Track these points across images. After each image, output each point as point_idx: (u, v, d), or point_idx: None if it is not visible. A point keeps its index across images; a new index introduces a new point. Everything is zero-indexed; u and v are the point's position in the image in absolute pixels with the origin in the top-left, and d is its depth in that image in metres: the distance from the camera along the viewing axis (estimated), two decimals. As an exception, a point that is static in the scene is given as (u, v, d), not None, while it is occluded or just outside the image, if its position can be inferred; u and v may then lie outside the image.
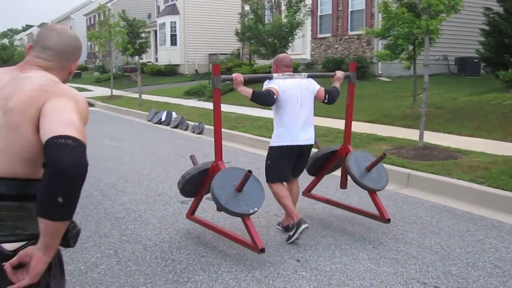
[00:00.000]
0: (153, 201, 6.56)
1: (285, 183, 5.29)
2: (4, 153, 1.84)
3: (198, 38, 35.26)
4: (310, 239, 5.10)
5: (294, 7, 17.77)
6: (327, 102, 5.44)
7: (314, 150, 5.71)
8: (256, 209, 4.65)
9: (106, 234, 5.30)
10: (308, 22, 22.15)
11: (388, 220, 5.27)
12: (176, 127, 14.27)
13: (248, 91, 4.92)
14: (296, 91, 5.13)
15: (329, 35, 23.14)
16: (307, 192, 6.35)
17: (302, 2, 18.21)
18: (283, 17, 18.02)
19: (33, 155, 1.86)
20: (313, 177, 6.27)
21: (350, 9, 21.92)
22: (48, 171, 1.68)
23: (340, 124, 12.21)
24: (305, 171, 5.73)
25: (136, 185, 7.43)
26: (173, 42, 35.88)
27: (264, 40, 17.91)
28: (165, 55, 36.05)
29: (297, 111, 5.09)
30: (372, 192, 5.42)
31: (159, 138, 12.41)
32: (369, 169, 5.45)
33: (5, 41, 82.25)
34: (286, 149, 5.10)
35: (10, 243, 1.84)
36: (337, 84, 5.74)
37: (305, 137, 5.16)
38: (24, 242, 1.87)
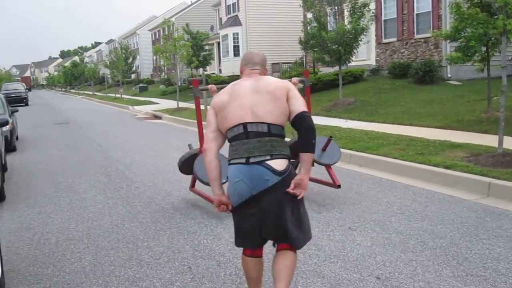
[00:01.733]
0: (224, 215, 6.47)
1: None
2: (274, 112, 3.35)
3: (260, 48, 35.33)
4: (389, 254, 4.87)
5: (358, 13, 17.41)
6: None
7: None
8: (223, 180, 5.00)
9: (179, 250, 5.27)
10: (372, 27, 21.73)
11: (339, 186, 7.02)
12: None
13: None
14: None
15: (394, 39, 22.63)
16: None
17: (366, 7, 17.83)
18: (346, 23, 17.71)
19: (285, 113, 3.38)
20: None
21: (415, 12, 21.35)
22: (306, 128, 3.31)
23: (410, 131, 11.87)
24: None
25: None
26: (236, 53, 36.18)
27: (328, 47, 17.64)
28: (229, 66, 36.38)
29: None
30: (326, 166, 7.18)
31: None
32: (323, 149, 7.18)
33: (76, 58, 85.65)
34: None
35: (280, 165, 3.30)
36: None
37: None
38: (285, 161, 3.36)
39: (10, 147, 13.24)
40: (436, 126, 12.36)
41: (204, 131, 5.78)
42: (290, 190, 3.30)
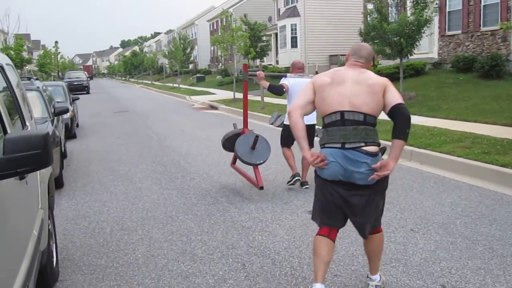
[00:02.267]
0: (280, 210, 6.33)
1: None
2: (370, 103, 3.61)
3: (318, 40, 34.92)
4: (454, 260, 4.57)
5: (422, 4, 16.80)
6: None
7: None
8: (261, 161, 7.13)
9: (233, 245, 5.14)
10: (435, 19, 20.94)
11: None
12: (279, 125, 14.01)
13: (266, 84, 7.35)
14: (302, 87, 6.53)
15: (459, 32, 21.74)
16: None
17: (430, -2, 17.20)
18: (409, 15, 17.13)
19: (380, 106, 3.64)
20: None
21: (482, 3, 20.40)
22: (402, 117, 3.55)
23: (475, 128, 11.33)
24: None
25: (262, 193, 7.24)
26: (294, 44, 35.87)
27: (389, 39, 17.11)
28: (286, 58, 36.11)
29: None
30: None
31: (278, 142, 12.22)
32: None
33: (136, 48, 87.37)
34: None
35: (372, 147, 3.59)
36: None
37: (307, 119, 6.13)
38: (377, 147, 3.64)
39: (70, 134, 13.52)
40: (503, 123, 11.74)
41: (247, 113, 7.81)
42: (375, 166, 3.57)
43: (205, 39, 64.31)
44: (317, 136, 7.25)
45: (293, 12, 35.94)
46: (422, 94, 17.40)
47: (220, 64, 52.78)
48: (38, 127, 7.36)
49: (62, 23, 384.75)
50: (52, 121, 9.08)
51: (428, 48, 23.30)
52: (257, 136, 7.09)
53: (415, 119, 13.60)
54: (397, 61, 18.45)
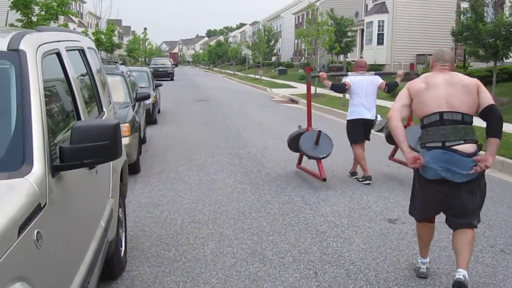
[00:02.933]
0: (357, 216, 6.00)
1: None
2: (467, 103, 3.89)
3: (406, 38, 33.80)
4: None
5: (523, 4, 15.76)
6: (386, 91, 8.08)
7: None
8: (325, 155, 7.49)
9: (306, 250, 4.88)
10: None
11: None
12: (380, 130, 13.45)
13: (328, 83, 7.88)
14: (363, 84, 7.75)
15: (561, 35, 20.20)
16: (391, 157, 8.72)
17: (533, -2, 16.09)
18: (508, 15, 16.08)
19: (476, 105, 3.92)
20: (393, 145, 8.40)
21: None
22: (496, 117, 3.90)
23: None
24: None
25: (338, 195, 6.92)
26: (380, 41, 34.94)
27: (484, 40, 16.16)
28: (371, 54, 35.23)
29: (363, 97, 7.72)
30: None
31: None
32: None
33: (221, 38, 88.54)
34: (357, 121, 7.83)
35: (470, 148, 3.85)
36: (398, 80, 8.16)
37: (368, 115, 7.79)
38: (475, 145, 3.91)
39: (151, 120, 13.71)
40: None
41: (310, 112, 8.19)
42: (476, 158, 3.87)
43: (289, 32, 64.00)
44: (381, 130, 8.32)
45: (381, 8, 34.96)
46: (516, 101, 16.31)
47: (303, 58, 52.38)
48: (119, 112, 7.41)
49: (151, 11, 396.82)
50: (133, 107, 9.15)
51: (525, 51, 21.85)
52: (319, 132, 7.50)
53: (506, 127, 12.67)
54: (490, 64, 17.42)
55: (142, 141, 9.68)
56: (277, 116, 17.00)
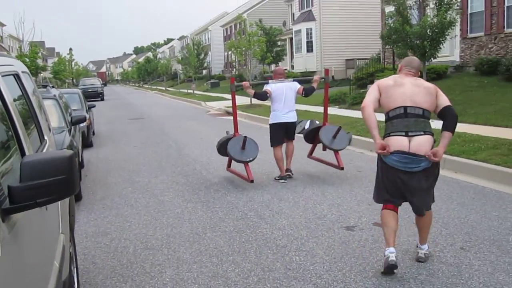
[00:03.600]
0: (314, 226, 5.88)
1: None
2: (428, 101, 4.53)
3: (334, 44, 34.46)
4: (520, 285, 4.09)
5: (445, 5, 16.30)
6: (304, 95, 8.72)
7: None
8: (251, 158, 8.11)
9: (269, 268, 4.69)
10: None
11: (342, 168, 8.50)
12: (300, 132, 13.52)
13: (251, 92, 8.52)
14: (283, 90, 8.46)
15: (481, 34, 21.14)
16: (310, 155, 9.55)
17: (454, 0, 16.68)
18: (432, 17, 16.62)
19: (434, 105, 4.58)
20: (311, 144, 9.44)
21: (506, 4, 19.82)
22: (453, 116, 4.56)
23: (508, 133, 10.78)
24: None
25: (292, 205, 6.80)
26: (309, 48, 35.44)
27: (412, 42, 16.63)
28: (301, 62, 35.69)
29: (283, 102, 8.44)
30: (335, 151, 8.65)
31: (304, 149, 11.75)
32: (334, 137, 8.59)
33: (149, 54, 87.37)
34: (278, 125, 8.55)
35: (428, 139, 4.47)
36: (314, 85, 8.96)
37: (287, 118, 8.54)
38: (432, 137, 4.53)
39: (87, 143, 13.18)
40: (538, 129, 11.21)
41: (236, 119, 8.86)
42: (429, 153, 4.43)
43: (218, 44, 64.07)
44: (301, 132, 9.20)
45: (308, 17, 35.51)
46: (446, 98, 16.83)
47: (235, 69, 52.44)
48: (55, 137, 6.98)
49: (75, 30, 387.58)
50: (70, 131, 8.71)
51: (449, 51, 22.73)
52: (245, 137, 8.15)
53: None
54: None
55: (80, 165, 9.22)
56: (215, 129, 16.75)
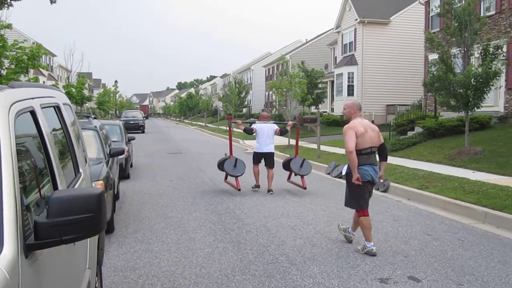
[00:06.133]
0: (346, 276, 5.69)
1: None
2: (377, 140, 6.93)
3: (376, 89, 34.35)
4: None
5: (490, 56, 16.08)
6: (280, 134, 12.32)
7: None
8: (240, 174, 11.48)
9: (297, 317, 4.54)
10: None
11: (305, 188, 11.71)
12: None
13: (242, 127, 11.97)
14: (264, 129, 11.76)
15: (527, 85, 20.72)
16: (288, 180, 12.39)
17: (500, 49, 16.43)
18: (476, 66, 16.40)
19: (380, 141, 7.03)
20: (288, 172, 12.37)
21: (554, 57, 19.44)
22: (386, 148, 7.18)
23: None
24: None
25: (324, 252, 6.63)
26: (350, 92, 35.40)
27: (455, 91, 16.40)
28: (342, 105, 35.35)
29: (264, 138, 11.71)
30: (301, 176, 11.76)
31: (340, 194, 11.53)
32: (301, 165, 11.74)
33: (192, 90, 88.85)
34: (258, 154, 11.85)
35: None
36: (288, 128, 12.88)
37: (267, 149, 11.73)
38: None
39: (124, 175, 13.31)
40: None
41: (231, 144, 12.76)
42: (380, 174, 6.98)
43: (260, 84, 64.75)
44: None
45: (350, 61, 35.61)
46: (489, 150, 16.43)
47: (274, 109, 52.71)
48: (92, 168, 7.05)
49: (122, 63, 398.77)
50: (107, 162, 8.80)
51: (493, 101, 22.33)
52: (236, 159, 11.60)
53: (484, 176, 12.71)
54: (460, 113, 17.64)
55: (115, 197, 9.27)
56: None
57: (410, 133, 22.12)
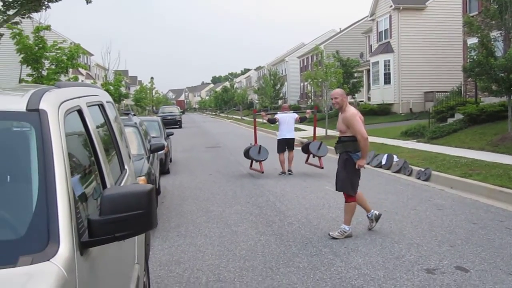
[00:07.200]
0: (392, 267, 5.62)
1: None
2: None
3: (413, 76, 33.74)
4: None
5: (534, 38, 15.60)
6: (300, 122, 13.71)
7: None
8: (263, 159, 13.04)
9: (344, 309, 4.51)
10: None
11: (322, 168, 13.20)
12: (398, 171, 13.19)
13: (266, 118, 14.06)
14: (286, 118, 13.22)
15: None
16: (306, 162, 13.73)
17: (543, 31, 15.93)
18: (519, 49, 15.91)
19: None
20: (306, 154, 13.72)
21: None
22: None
23: None
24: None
25: (368, 243, 6.57)
26: (387, 80, 34.88)
27: (497, 75, 15.96)
28: (378, 94, 35.18)
29: (286, 125, 13.20)
30: (319, 157, 13.23)
31: (381, 184, 11.45)
32: (318, 147, 13.22)
33: (227, 84, 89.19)
34: (282, 140, 13.27)
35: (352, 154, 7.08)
36: (307, 115, 13.74)
37: (289, 135, 13.22)
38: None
39: (164, 170, 13.45)
40: None
41: (256, 133, 14.48)
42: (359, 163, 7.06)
43: (295, 75, 64.47)
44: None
45: (386, 48, 35.06)
46: (533, 135, 15.96)
47: (310, 100, 52.47)
48: (134, 164, 7.13)
49: (157, 60, 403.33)
50: (148, 158, 8.90)
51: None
52: (260, 146, 13.11)
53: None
54: (503, 98, 17.17)
55: (157, 192, 9.38)
56: (297, 164, 16.64)
57: (450, 120, 21.64)
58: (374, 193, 10.08)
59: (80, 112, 2.71)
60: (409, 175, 12.60)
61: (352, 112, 7.04)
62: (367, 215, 7.33)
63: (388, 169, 13.70)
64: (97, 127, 3.07)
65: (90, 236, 1.99)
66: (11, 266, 1.67)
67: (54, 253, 1.75)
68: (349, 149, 6.94)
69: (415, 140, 19.64)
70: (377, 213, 7.29)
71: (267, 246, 6.59)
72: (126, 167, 3.82)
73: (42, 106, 2.20)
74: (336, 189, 7.27)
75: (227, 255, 6.29)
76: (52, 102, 2.29)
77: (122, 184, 3.36)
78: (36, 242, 1.78)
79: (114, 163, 3.43)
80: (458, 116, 21.32)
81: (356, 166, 6.94)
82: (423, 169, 12.20)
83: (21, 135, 2.17)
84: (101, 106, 3.53)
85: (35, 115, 2.15)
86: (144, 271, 3.97)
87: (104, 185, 2.73)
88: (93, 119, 2.97)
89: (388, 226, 7.45)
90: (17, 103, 2.23)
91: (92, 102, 3.22)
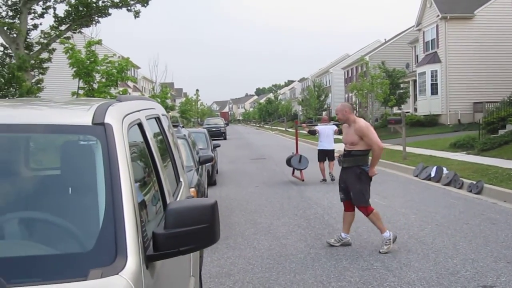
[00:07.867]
0: (447, 283, 5.46)
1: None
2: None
3: (461, 86, 32.98)
4: None
5: None
6: (339, 134, 12.81)
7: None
8: (304, 167, 14.08)
9: (400, 326, 4.40)
10: None
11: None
12: (448, 184, 12.87)
13: (306, 129, 15.65)
14: (325, 130, 14.02)
15: None
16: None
17: None
18: None
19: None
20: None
21: None
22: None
23: None
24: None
25: (421, 258, 6.41)
26: (434, 91, 34.23)
27: (551, 85, 15.49)
28: (425, 105, 34.53)
29: (325, 137, 13.99)
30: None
31: (431, 197, 11.19)
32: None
33: (271, 95, 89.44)
34: (322, 150, 14.08)
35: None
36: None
37: (329, 147, 14.05)
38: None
39: (211, 181, 13.53)
40: None
41: (297, 144, 15.72)
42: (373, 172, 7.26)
43: (339, 86, 64.06)
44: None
45: (433, 58, 34.45)
46: None
47: (355, 111, 52.01)
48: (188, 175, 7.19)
49: (201, 72, 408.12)
50: (197, 170, 8.97)
51: None
52: (301, 155, 14.08)
53: None
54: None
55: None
56: (336, 172, 16.49)
57: (501, 132, 21.03)
58: (424, 207, 9.87)
59: (140, 125, 2.75)
60: (460, 188, 12.27)
61: (364, 122, 7.16)
62: (341, 234, 7.25)
63: (437, 182, 13.39)
64: (156, 140, 3.11)
65: (155, 249, 2.01)
66: (82, 279, 1.70)
67: (123, 266, 1.76)
68: (361, 163, 7.03)
69: (464, 152, 19.15)
70: (349, 239, 7.21)
71: (317, 260, 6.52)
72: (181, 179, 3.85)
73: (107, 120, 2.24)
74: (353, 203, 7.16)
75: (277, 268, 6.25)
76: (116, 116, 2.33)
77: (179, 196, 3.39)
78: (105, 255, 1.80)
79: (170, 176, 3.46)
80: (510, 127, 20.72)
81: (371, 175, 7.06)
82: (474, 182, 11.87)
83: (88, 149, 2.21)
84: (157, 119, 3.58)
85: (100, 129, 2.19)
86: (198, 283, 3.98)
87: (163, 198, 2.75)
88: (152, 132, 3.01)
89: (440, 240, 7.27)
90: (83, 116, 2.27)
91: (150, 115, 3.26)
